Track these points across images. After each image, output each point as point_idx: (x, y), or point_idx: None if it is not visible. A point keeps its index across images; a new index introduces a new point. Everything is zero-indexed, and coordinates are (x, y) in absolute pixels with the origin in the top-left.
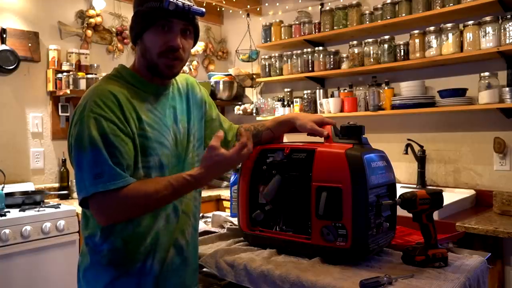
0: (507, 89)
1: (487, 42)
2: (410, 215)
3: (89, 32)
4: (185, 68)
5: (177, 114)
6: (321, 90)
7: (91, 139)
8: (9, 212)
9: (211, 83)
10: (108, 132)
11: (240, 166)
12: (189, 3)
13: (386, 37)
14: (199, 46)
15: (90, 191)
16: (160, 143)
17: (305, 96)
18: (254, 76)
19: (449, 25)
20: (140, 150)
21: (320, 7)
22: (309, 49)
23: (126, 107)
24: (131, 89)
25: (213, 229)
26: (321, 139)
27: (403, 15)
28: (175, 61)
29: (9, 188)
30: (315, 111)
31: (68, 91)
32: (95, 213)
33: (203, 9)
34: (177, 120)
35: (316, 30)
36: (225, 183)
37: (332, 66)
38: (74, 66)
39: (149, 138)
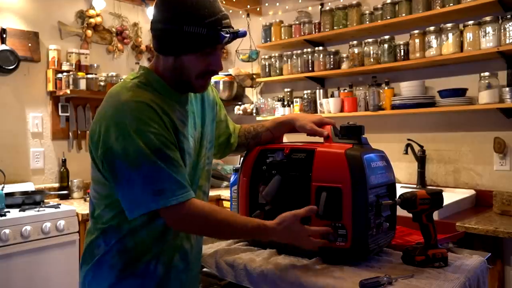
0: (507, 89)
1: (487, 42)
2: (410, 215)
3: (89, 32)
4: None
5: (195, 119)
6: (321, 90)
7: (143, 156)
8: (9, 212)
9: (211, 83)
10: (160, 146)
11: (240, 166)
12: (234, 29)
13: (386, 37)
14: None
15: (151, 208)
16: (189, 153)
17: (305, 96)
18: (254, 76)
19: (449, 25)
20: None
21: (320, 7)
22: (309, 49)
23: (164, 117)
24: (159, 98)
25: None
26: (321, 139)
27: (403, 15)
28: (209, 80)
29: (9, 188)
30: (315, 111)
31: (68, 91)
32: (168, 222)
33: (246, 30)
34: (195, 125)
35: (316, 30)
36: (225, 183)
37: (332, 66)
38: (74, 66)
39: (183, 149)
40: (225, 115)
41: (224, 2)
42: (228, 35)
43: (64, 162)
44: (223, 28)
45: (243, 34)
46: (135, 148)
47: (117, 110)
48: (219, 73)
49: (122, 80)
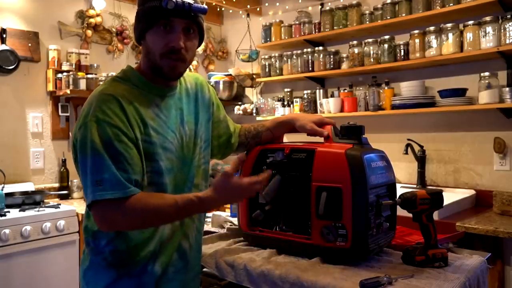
0: (507, 89)
1: (487, 42)
2: (410, 215)
3: (89, 32)
4: None
5: (184, 116)
6: (321, 90)
7: (93, 145)
8: (9, 212)
9: (211, 83)
10: (112, 138)
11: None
12: (189, 0)
13: (386, 37)
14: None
15: (90, 199)
16: (164, 148)
17: (305, 96)
18: (254, 76)
19: (449, 25)
20: (145, 155)
21: (320, 7)
22: (309, 49)
23: (130, 111)
24: (136, 91)
25: (213, 229)
26: (321, 139)
27: (403, 15)
28: (177, 62)
29: (9, 188)
30: (315, 111)
31: (68, 91)
32: (96, 220)
33: (205, 6)
34: (183, 122)
35: (316, 30)
36: None
37: (332, 66)
38: (74, 66)
39: (154, 143)
40: (224, 115)
41: (224, 2)
42: (172, 0)
43: (64, 162)
44: None
45: (198, 9)
46: (89, 137)
47: (87, 103)
48: (221, 73)
49: None
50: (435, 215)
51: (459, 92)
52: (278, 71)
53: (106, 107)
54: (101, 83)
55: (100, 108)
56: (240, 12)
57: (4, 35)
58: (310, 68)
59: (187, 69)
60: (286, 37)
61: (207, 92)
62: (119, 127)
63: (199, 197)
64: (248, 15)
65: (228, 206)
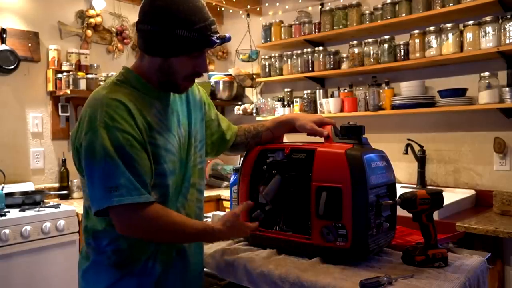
0: (507, 89)
1: (487, 42)
2: (410, 215)
3: (89, 32)
4: None
5: (180, 118)
6: (321, 90)
7: (105, 151)
8: (9, 212)
9: (211, 83)
10: (124, 143)
11: (240, 166)
12: (222, 34)
13: (386, 37)
14: None
15: (103, 205)
16: (167, 150)
17: (305, 96)
18: (254, 76)
19: (449, 25)
20: (152, 158)
21: (320, 7)
22: (309, 49)
23: (137, 115)
24: (137, 94)
25: None
26: (321, 139)
27: (403, 15)
28: (194, 82)
29: (9, 188)
30: (315, 111)
31: (68, 91)
32: (117, 225)
33: (230, 36)
34: (179, 124)
35: (316, 30)
36: (225, 183)
37: (332, 66)
38: (74, 66)
39: (158, 146)
40: (215, 114)
41: (224, 2)
42: (218, 41)
43: (64, 162)
44: (212, 34)
45: (229, 40)
46: (99, 143)
47: (91, 108)
48: (221, 73)
49: None
50: (435, 215)
51: (459, 92)
52: (278, 71)
53: (114, 113)
54: (101, 83)
55: (108, 114)
56: (240, 12)
57: (4, 35)
58: (310, 68)
59: None
60: (286, 37)
61: (198, 92)
62: (129, 132)
63: (213, 228)
64: (248, 15)
65: (228, 205)
